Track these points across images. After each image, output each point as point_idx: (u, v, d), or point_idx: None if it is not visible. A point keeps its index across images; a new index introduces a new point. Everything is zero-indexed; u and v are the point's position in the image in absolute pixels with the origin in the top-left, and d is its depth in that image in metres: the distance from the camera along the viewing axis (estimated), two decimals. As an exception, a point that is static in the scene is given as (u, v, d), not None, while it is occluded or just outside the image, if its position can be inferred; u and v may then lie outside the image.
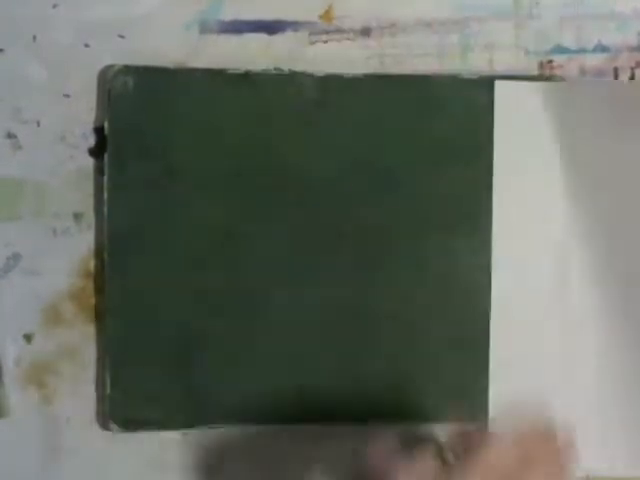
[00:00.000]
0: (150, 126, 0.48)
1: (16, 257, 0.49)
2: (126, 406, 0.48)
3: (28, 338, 0.48)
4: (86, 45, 0.49)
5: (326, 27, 0.50)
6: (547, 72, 0.50)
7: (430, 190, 0.49)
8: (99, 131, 0.49)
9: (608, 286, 0.49)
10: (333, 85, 0.49)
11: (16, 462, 0.48)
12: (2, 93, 0.49)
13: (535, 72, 0.50)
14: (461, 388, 0.49)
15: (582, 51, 0.51)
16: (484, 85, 0.49)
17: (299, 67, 0.49)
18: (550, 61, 0.51)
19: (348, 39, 0.50)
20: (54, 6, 0.49)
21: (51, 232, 0.49)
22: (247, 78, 0.49)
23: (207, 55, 0.50)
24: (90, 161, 0.49)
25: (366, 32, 0.50)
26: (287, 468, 0.49)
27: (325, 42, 0.50)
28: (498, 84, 0.49)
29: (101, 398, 0.48)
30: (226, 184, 0.48)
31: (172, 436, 0.49)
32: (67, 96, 0.49)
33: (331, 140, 0.49)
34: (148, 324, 0.48)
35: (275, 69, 0.50)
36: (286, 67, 0.50)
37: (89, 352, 0.49)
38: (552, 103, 0.49)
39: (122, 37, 0.50)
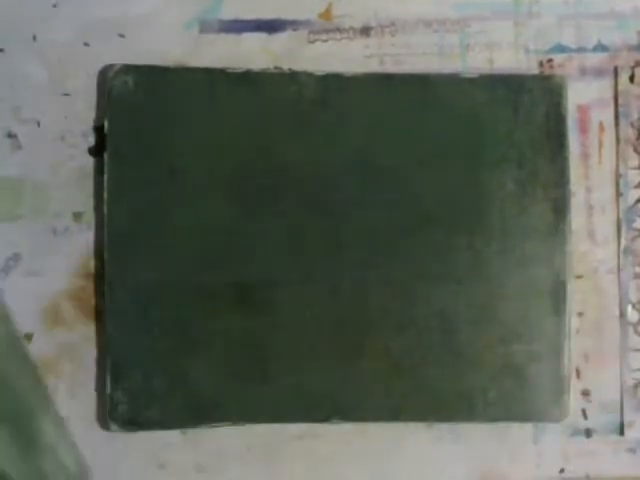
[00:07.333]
0: (150, 126, 0.48)
1: (16, 257, 0.49)
2: (126, 406, 0.48)
3: (28, 338, 0.48)
4: (86, 45, 0.50)
5: (326, 26, 0.50)
6: (547, 71, 0.50)
7: (430, 189, 0.49)
8: (99, 130, 0.49)
9: None
10: (333, 84, 0.49)
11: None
12: (2, 93, 0.49)
13: (535, 71, 0.50)
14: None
15: (582, 50, 0.51)
16: (484, 85, 0.49)
17: (299, 66, 0.49)
18: (550, 60, 0.51)
19: (348, 38, 0.50)
20: (54, 6, 0.50)
21: (51, 232, 0.49)
22: (247, 77, 0.49)
23: (207, 55, 0.50)
24: (90, 161, 0.49)
25: (366, 31, 0.50)
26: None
27: (325, 41, 0.50)
28: None
29: (101, 398, 0.48)
30: (226, 184, 0.48)
31: (172, 436, 0.49)
32: (67, 95, 0.49)
33: (331, 140, 0.49)
34: (148, 324, 0.48)
35: (275, 68, 0.50)
36: (286, 66, 0.50)
37: (89, 352, 0.49)
38: None
39: (122, 37, 0.50)
